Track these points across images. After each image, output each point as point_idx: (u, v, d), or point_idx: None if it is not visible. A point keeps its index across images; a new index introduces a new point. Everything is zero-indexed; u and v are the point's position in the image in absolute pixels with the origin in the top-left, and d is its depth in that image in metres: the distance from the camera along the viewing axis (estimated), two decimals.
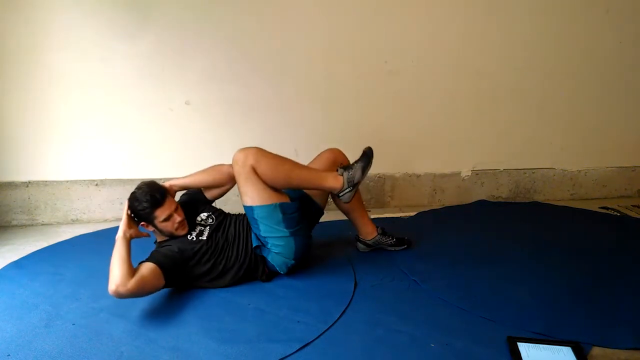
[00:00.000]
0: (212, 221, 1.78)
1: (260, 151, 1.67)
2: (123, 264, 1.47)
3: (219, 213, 1.85)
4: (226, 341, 1.37)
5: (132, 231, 1.61)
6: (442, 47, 2.55)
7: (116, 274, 1.43)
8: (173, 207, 1.67)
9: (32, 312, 1.55)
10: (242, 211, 1.93)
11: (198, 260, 1.66)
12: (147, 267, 1.52)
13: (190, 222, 1.75)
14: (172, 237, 1.71)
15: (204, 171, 1.84)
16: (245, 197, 1.69)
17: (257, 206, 1.67)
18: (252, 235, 1.74)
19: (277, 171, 1.67)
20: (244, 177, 1.66)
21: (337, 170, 1.75)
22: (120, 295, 1.42)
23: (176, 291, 1.65)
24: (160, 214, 1.64)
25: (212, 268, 1.68)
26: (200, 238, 1.70)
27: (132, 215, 1.65)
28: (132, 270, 1.46)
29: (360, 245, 2.03)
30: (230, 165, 1.75)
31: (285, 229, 1.69)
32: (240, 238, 1.75)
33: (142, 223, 1.67)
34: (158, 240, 1.75)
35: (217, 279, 1.69)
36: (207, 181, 1.84)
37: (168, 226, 1.67)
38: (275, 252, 1.71)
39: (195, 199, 1.86)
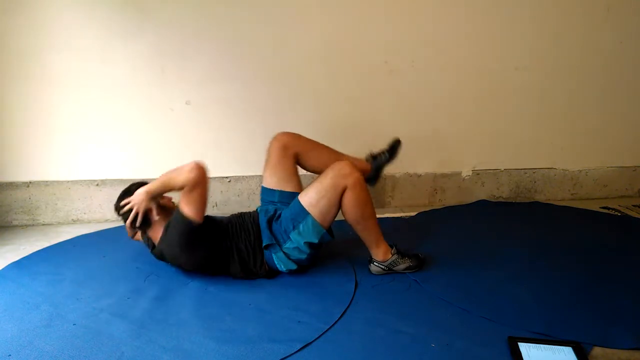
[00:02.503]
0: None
1: (363, 182, 1.71)
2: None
3: None
4: (226, 341, 1.37)
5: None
6: (442, 47, 2.55)
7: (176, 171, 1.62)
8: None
9: (33, 312, 1.55)
10: (242, 211, 1.94)
11: (208, 221, 1.72)
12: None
13: None
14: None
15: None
16: (312, 198, 1.69)
17: (313, 218, 1.69)
18: (265, 232, 1.74)
19: (359, 207, 1.70)
20: (330, 185, 1.68)
21: (392, 248, 1.82)
22: (202, 166, 1.59)
23: (176, 291, 1.66)
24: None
25: (211, 248, 1.71)
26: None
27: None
28: None
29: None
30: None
31: (308, 249, 1.73)
32: (239, 234, 1.77)
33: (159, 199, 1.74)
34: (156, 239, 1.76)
35: (216, 259, 1.72)
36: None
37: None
38: (285, 253, 1.73)
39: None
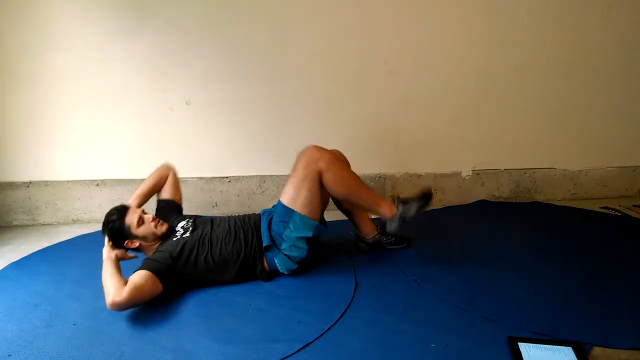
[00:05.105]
0: (192, 223, 1.80)
1: (335, 159, 1.69)
2: (114, 277, 1.50)
3: (195, 218, 1.87)
4: (226, 341, 1.37)
5: (117, 252, 1.63)
6: (442, 47, 2.55)
7: (109, 287, 1.46)
8: (139, 211, 1.72)
9: (33, 312, 1.56)
10: (242, 211, 1.94)
11: (187, 256, 1.66)
12: (138, 274, 1.53)
13: (171, 229, 1.78)
14: (158, 239, 1.73)
15: (145, 180, 1.94)
16: (292, 194, 1.68)
17: (299, 214, 1.68)
18: (264, 232, 1.74)
19: (343, 183, 1.69)
20: (304, 175, 1.66)
21: (393, 200, 1.79)
22: (118, 306, 1.44)
23: (176, 291, 1.65)
24: (131, 219, 1.67)
25: (205, 263, 1.67)
26: (184, 236, 1.72)
27: (112, 240, 1.67)
28: (123, 282, 1.49)
29: (359, 244, 2.04)
30: (166, 164, 1.91)
31: (306, 244, 1.72)
32: (238, 234, 1.75)
33: (127, 242, 1.68)
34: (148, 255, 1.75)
35: (215, 273, 1.69)
36: (152, 182, 1.94)
37: (147, 229, 1.69)
38: (285, 255, 1.72)
39: (164, 211, 1.90)
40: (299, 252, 1.73)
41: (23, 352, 1.33)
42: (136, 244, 1.70)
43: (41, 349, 1.34)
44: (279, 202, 1.73)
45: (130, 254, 1.69)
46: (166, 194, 1.96)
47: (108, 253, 1.62)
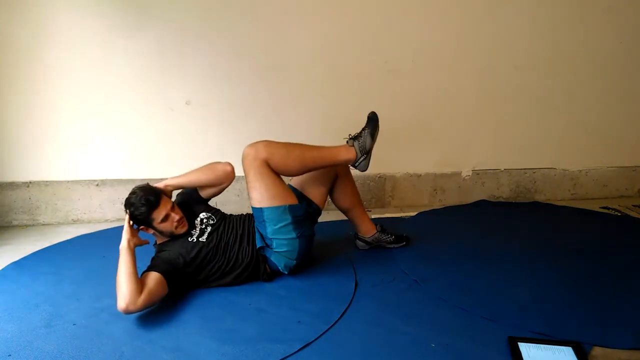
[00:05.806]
0: (213, 222, 1.77)
1: (269, 143, 1.68)
2: (130, 279, 1.46)
3: (218, 214, 1.83)
4: (227, 341, 1.37)
5: (135, 240, 1.61)
6: (442, 47, 2.55)
7: (124, 291, 1.43)
8: (169, 206, 1.66)
9: (33, 312, 1.56)
10: (243, 211, 1.94)
11: (199, 263, 1.65)
12: (153, 279, 1.51)
13: (189, 222, 1.74)
14: (173, 237, 1.70)
15: (199, 170, 1.79)
16: (255, 196, 1.68)
17: (266, 208, 1.67)
18: (257, 235, 1.73)
19: (290, 159, 1.69)
20: (254, 173, 1.66)
21: (346, 142, 1.78)
22: (130, 313, 1.43)
23: (177, 291, 1.65)
24: (157, 215, 1.63)
25: (214, 270, 1.68)
26: (200, 239, 1.70)
27: (132, 222, 1.64)
28: (139, 285, 1.46)
29: (359, 242, 2.04)
30: (227, 163, 1.79)
31: (292, 231, 1.69)
32: (243, 239, 1.74)
33: (142, 227, 1.66)
34: (158, 242, 1.74)
35: (219, 279, 1.70)
36: (202, 180, 1.78)
37: (167, 226, 1.66)
38: (279, 253, 1.71)
39: (191, 198, 1.83)
40: (292, 244, 1.70)
41: (23, 352, 1.33)
42: (150, 231, 1.69)
43: (41, 349, 1.34)
44: (252, 208, 1.73)
45: (143, 238, 1.67)
46: (207, 194, 1.84)
47: (127, 241, 1.57)
